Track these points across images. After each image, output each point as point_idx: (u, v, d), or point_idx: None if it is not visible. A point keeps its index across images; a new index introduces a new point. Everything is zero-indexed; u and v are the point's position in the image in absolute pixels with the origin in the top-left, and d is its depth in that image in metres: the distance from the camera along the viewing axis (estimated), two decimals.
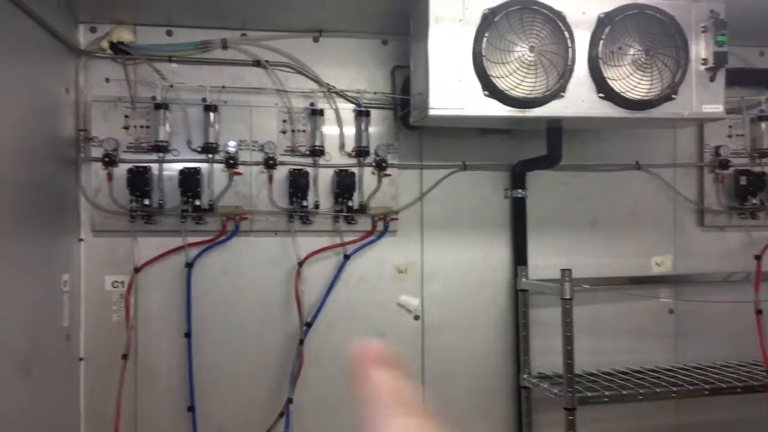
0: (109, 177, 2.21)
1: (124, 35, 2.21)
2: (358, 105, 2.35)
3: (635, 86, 2.00)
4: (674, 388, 2.21)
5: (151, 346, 2.27)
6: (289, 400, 2.27)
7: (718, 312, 2.59)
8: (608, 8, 1.98)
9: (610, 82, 1.98)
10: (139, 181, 2.20)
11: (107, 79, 2.23)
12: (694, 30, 2.04)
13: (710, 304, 2.57)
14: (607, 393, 2.15)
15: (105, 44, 2.21)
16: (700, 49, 2.05)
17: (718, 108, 2.08)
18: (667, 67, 2.01)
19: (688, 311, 2.61)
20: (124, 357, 2.20)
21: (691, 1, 2.04)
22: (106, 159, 2.19)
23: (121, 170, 2.21)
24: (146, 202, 2.21)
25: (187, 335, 2.26)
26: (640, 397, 2.17)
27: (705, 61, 2.05)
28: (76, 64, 2.21)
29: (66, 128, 2.15)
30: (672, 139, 2.62)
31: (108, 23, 2.23)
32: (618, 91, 1.99)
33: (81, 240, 2.24)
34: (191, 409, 2.26)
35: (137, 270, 2.24)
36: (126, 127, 2.23)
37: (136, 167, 2.21)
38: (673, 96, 2.03)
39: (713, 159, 2.61)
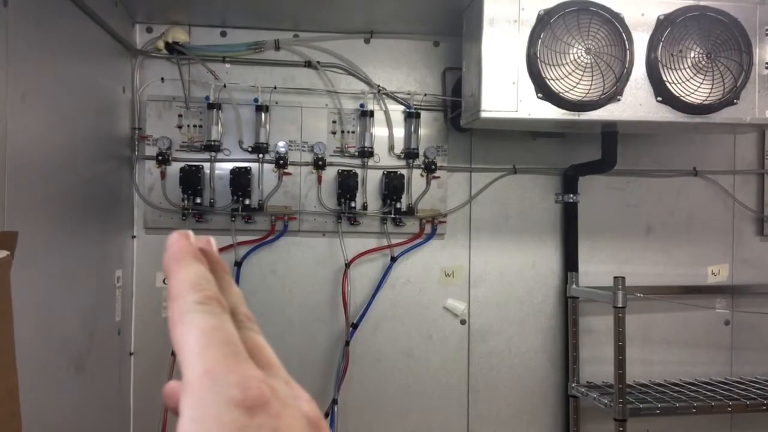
0: (162, 175, 2.24)
1: (179, 35, 2.25)
2: (408, 107, 2.34)
3: (695, 90, 1.94)
4: (730, 402, 2.13)
5: None
6: (334, 401, 2.27)
7: None
8: (668, 10, 1.93)
9: (669, 85, 1.93)
10: (192, 180, 2.23)
11: (162, 79, 2.27)
12: (759, 33, 1.97)
13: None
14: (659, 405, 2.09)
15: (160, 44, 2.24)
16: (764, 53, 1.98)
17: None
18: (729, 70, 1.95)
19: (745, 323, 2.53)
20: (173, 353, 2.23)
21: (756, 3, 1.97)
22: (160, 157, 2.23)
23: (174, 169, 2.25)
24: (198, 200, 2.24)
25: None
26: (694, 410, 2.10)
27: None
28: (132, 64, 2.25)
29: (122, 127, 2.19)
30: (731, 145, 2.54)
31: (164, 23, 2.27)
32: (677, 94, 1.93)
33: (134, 237, 2.28)
34: None
35: None
36: (179, 126, 2.27)
37: (189, 166, 2.24)
38: (734, 101, 1.96)
39: None
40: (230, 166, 2.27)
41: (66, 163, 1.70)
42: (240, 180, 2.25)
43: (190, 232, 0.35)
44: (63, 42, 1.68)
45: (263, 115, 2.26)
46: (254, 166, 2.28)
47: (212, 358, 0.28)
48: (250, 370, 0.28)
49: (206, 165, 2.26)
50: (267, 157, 2.28)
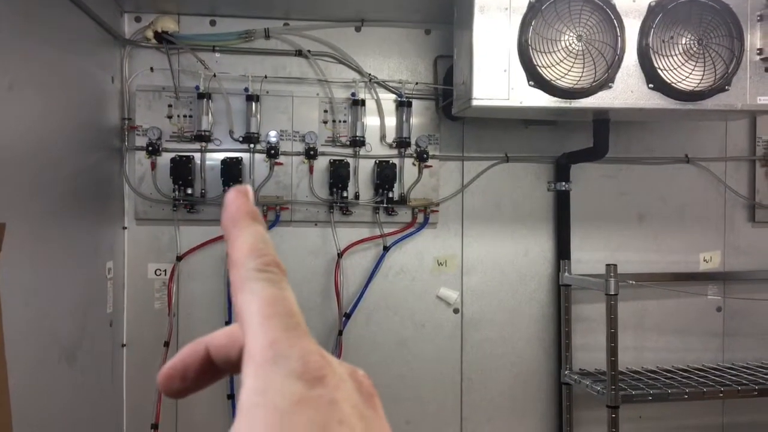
0: (153, 166, 2.23)
1: (169, 25, 2.23)
2: (400, 95, 2.33)
3: (687, 77, 1.93)
4: (722, 388, 2.15)
5: (192, 333, 2.29)
6: None
7: None
8: None
9: (660, 72, 1.92)
10: (182, 171, 2.21)
11: (152, 69, 2.25)
12: (750, 19, 1.97)
13: (760, 302, 2.50)
14: (651, 391, 2.10)
15: (149, 34, 2.22)
16: (755, 39, 1.98)
17: None
18: (721, 57, 1.95)
19: (736, 309, 2.54)
20: (166, 344, 2.23)
21: None
22: (150, 148, 2.21)
23: (165, 159, 2.23)
24: (189, 191, 2.23)
25: (228, 323, 2.27)
26: (686, 397, 2.11)
27: (760, 51, 1.98)
28: (121, 54, 2.23)
29: (111, 117, 2.17)
30: (723, 132, 2.54)
31: (152, 13, 2.25)
32: (668, 81, 1.93)
33: (125, 228, 2.26)
34: (231, 396, 2.27)
35: (179, 258, 2.26)
36: (169, 117, 2.25)
37: (179, 156, 2.22)
38: (726, 87, 1.96)
39: (766, 152, 2.52)
40: (221, 156, 2.26)
41: (54, 154, 1.68)
42: (231, 170, 2.23)
43: (249, 189, 0.34)
44: (50, 31, 1.66)
45: (254, 104, 2.24)
46: (245, 156, 2.27)
47: (275, 330, 0.29)
48: (309, 344, 0.29)
49: (197, 155, 2.25)
50: (258, 147, 2.27)
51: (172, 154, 2.23)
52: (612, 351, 2.06)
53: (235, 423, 0.27)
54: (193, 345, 0.34)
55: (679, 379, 2.25)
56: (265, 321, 0.29)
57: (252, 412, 0.27)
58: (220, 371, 0.34)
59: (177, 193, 2.23)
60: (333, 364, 0.30)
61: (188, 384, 0.34)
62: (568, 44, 1.89)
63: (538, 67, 1.88)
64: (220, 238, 2.26)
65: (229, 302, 2.27)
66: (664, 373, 2.35)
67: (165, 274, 2.27)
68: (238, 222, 0.33)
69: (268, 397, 0.27)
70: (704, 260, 2.53)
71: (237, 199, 0.34)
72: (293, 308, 0.30)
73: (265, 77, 2.28)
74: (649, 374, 2.34)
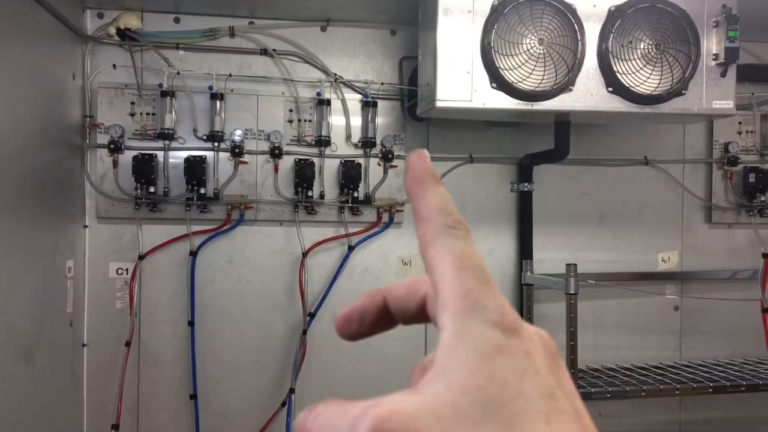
0: (115, 164, 2.20)
1: (132, 21, 2.20)
2: (365, 95, 2.34)
3: (645, 81, 1.98)
4: (678, 386, 2.20)
5: (154, 333, 2.28)
6: (291, 390, 2.27)
7: (724, 310, 2.59)
8: (619, 1, 1.96)
9: (619, 76, 1.96)
10: (145, 169, 2.20)
11: (114, 66, 2.23)
12: (706, 25, 2.01)
13: (716, 301, 2.56)
14: (610, 389, 2.14)
15: (112, 30, 2.20)
16: (711, 44, 2.03)
17: (728, 104, 2.05)
18: (678, 61, 1.99)
19: (693, 308, 2.60)
20: (128, 344, 2.21)
21: None
22: (112, 146, 2.18)
23: (127, 157, 2.21)
24: (151, 189, 2.21)
25: (191, 323, 2.26)
26: (644, 394, 2.16)
27: (716, 57, 2.03)
28: (82, 50, 2.20)
29: (72, 114, 2.15)
30: (681, 135, 2.60)
31: (115, 9, 2.22)
32: (627, 85, 1.97)
33: (86, 226, 2.24)
34: (194, 396, 2.26)
35: (141, 257, 2.24)
36: (132, 114, 2.23)
37: (142, 155, 2.20)
38: (683, 91, 2.01)
39: (722, 155, 2.58)
40: (185, 154, 2.24)
41: (13, 151, 1.66)
42: (195, 169, 2.22)
43: (426, 152, 0.36)
44: (8, 27, 1.63)
45: (218, 103, 2.23)
46: (209, 154, 2.25)
47: (469, 281, 0.30)
48: (502, 298, 0.30)
49: (160, 153, 2.23)
50: (222, 145, 2.26)
51: (135, 152, 2.21)
52: (572, 349, 2.09)
53: (438, 359, 0.29)
54: (372, 293, 0.37)
55: (638, 376, 2.30)
56: (459, 272, 0.31)
57: (455, 353, 0.28)
58: (393, 321, 0.37)
59: (139, 191, 2.21)
60: (523, 321, 0.31)
61: (363, 329, 0.37)
62: (529, 47, 1.91)
63: (500, 70, 1.90)
64: (184, 237, 2.25)
65: (191, 302, 2.25)
66: (623, 371, 2.40)
67: (127, 274, 2.25)
68: (423, 182, 0.34)
69: (469, 341, 0.28)
70: (662, 260, 2.58)
71: (420, 161, 0.35)
72: (483, 263, 0.32)
73: (230, 76, 2.27)
74: (608, 372, 2.38)
